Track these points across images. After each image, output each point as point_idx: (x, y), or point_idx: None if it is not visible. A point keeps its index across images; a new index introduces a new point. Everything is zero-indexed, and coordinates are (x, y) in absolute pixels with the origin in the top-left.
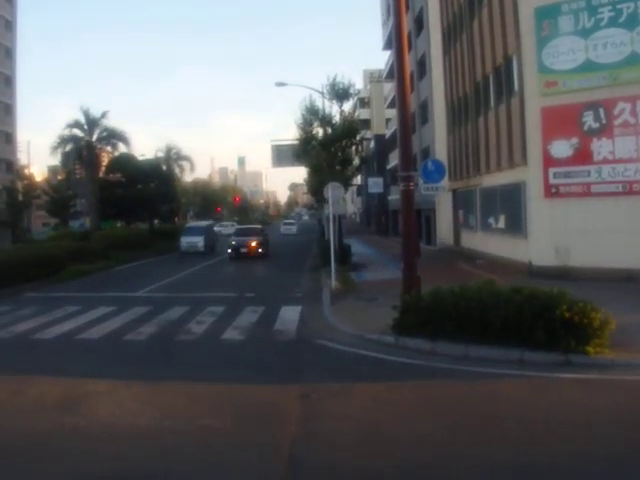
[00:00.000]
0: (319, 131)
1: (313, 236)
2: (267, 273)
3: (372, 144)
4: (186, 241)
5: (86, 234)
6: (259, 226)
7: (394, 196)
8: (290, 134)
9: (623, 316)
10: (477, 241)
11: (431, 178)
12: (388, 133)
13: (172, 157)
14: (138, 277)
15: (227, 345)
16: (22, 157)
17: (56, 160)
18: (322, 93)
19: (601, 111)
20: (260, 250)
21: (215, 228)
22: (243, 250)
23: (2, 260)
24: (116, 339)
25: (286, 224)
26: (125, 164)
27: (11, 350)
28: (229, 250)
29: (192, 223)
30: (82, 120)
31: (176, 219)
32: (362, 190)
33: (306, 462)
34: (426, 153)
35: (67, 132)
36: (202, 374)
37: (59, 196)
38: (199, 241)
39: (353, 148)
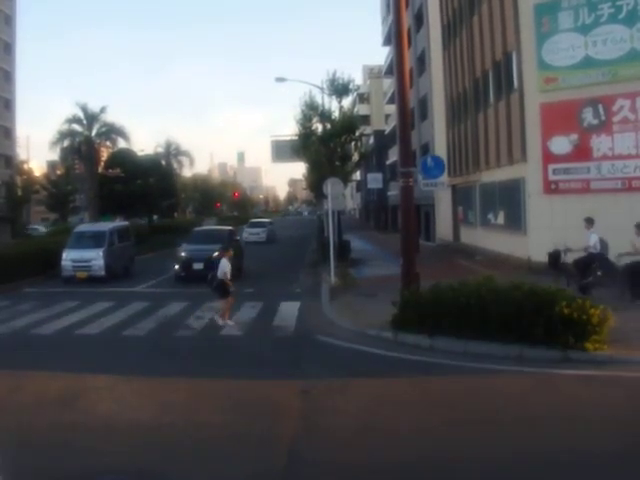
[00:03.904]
0: (318, 127)
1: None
2: None
3: (371, 140)
4: (71, 258)
5: None
6: (227, 228)
7: (393, 192)
8: (290, 129)
9: (622, 312)
10: (476, 237)
11: (430, 174)
12: (387, 129)
13: (171, 152)
14: (137, 272)
15: (226, 341)
16: (21, 152)
17: (55, 155)
18: (322, 89)
19: (600, 107)
20: None
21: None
22: (197, 266)
23: (1, 255)
24: (115, 334)
25: (252, 226)
26: (124, 159)
27: (10, 345)
28: (176, 267)
29: (85, 225)
30: (81, 115)
31: (175, 214)
32: (361, 186)
33: (306, 456)
34: (425, 149)
35: (66, 127)
36: (201, 369)
37: (58, 191)
38: (94, 258)
39: (352, 144)
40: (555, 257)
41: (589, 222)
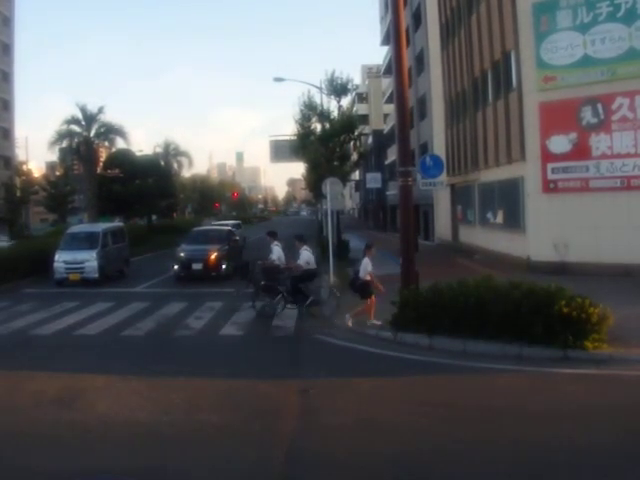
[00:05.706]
0: (317, 126)
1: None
2: None
3: (370, 139)
4: (64, 259)
5: None
6: (226, 228)
7: (392, 191)
8: (289, 129)
9: (622, 311)
10: (475, 236)
11: (429, 173)
12: (386, 128)
13: (170, 152)
14: (136, 273)
15: (226, 340)
16: (20, 153)
17: (54, 156)
18: (320, 88)
19: (599, 106)
20: (224, 266)
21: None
22: (196, 267)
23: (0, 256)
24: (114, 335)
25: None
26: (123, 159)
27: (10, 346)
28: (175, 267)
29: (79, 226)
30: (79, 116)
31: (174, 215)
32: (360, 185)
33: (305, 455)
34: (424, 148)
35: (65, 128)
36: (201, 369)
37: (57, 192)
38: (88, 260)
39: (351, 143)
40: (244, 268)
41: (271, 236)
